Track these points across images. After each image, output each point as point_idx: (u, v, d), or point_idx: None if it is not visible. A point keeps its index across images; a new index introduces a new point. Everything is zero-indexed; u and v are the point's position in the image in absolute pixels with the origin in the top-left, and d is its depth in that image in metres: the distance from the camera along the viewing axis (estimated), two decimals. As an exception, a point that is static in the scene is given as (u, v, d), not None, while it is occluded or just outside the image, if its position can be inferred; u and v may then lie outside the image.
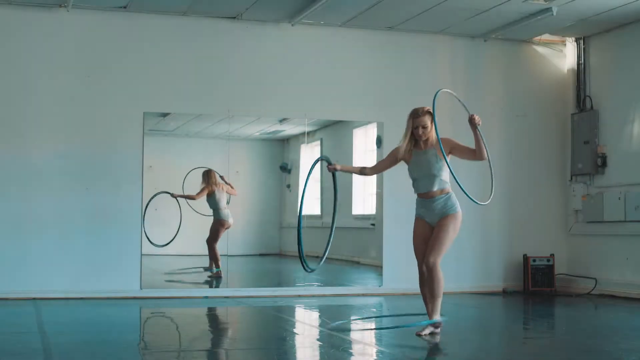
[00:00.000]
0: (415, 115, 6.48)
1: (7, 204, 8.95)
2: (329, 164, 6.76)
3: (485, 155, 6.38)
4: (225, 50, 9.70)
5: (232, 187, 10.39)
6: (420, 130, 6.45)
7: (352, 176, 10.76)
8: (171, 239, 10.15)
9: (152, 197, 9.67)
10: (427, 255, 6.46)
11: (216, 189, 10.34)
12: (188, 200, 10.31)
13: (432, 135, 6.48)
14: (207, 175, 10.38)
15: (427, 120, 6.43)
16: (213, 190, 10.33)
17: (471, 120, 6.34)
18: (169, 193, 10.14)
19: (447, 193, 6.49)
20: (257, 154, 11.27)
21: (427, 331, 6.49)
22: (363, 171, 6.86)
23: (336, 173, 6.85)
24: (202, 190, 10.34)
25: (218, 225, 10.36)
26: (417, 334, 6.48)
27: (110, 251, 9.16)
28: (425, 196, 6.51)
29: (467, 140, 6.61)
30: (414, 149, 6.55)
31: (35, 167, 9.05)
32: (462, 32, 10.24)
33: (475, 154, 6.43)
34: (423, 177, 6.48)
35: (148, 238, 9.54)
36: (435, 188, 6.46)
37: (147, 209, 9.46)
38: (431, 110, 6.41)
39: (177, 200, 10.24)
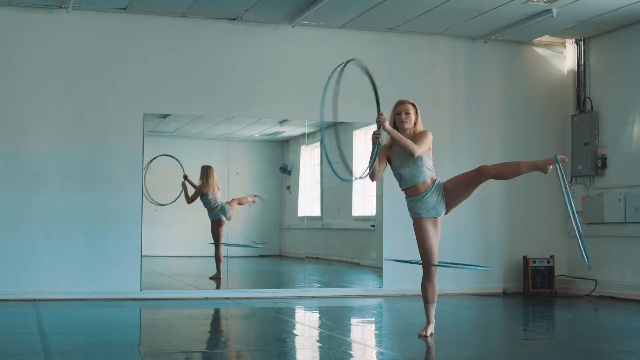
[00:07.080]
0: (400, 103, 6.54)
1: (7, 205, 8.95)
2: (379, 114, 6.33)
3: (412, 151, 6.25)
4: (226, 52, 9.70)
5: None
6: (403, 115, 6.45)
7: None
8: (174, 198, 10.15)
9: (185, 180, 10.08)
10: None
11: (210, 191, 10.26)
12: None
13: (413, 127, 6.47)
14: (206, 173, 10.25)
15: (410, 108, 6.47)
16: (206, 192, 10.26)
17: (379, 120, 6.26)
18: (185, 177, 10.18)
19: (435, 181, 6.44)
20: (257, 156, 11.25)
21: (428, 332, 6.50)
22: (374, 174, 6.45)
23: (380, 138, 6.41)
24: (194, 195, 10.20)
25: (216, 226, 10.32)
26: (419, 335, 6.49)
27: (110, 252, 9.16)
28: (414, 192, 6.42)
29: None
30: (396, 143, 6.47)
31: (35, 168, 9.05)
32: (462, 33, 10.25)
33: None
34: (409, 168, 6.41)
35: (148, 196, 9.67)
36: (423, 178, 6.39)
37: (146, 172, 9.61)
38: (415, 104, 6.48)
39: (185, 180, 10.19)
